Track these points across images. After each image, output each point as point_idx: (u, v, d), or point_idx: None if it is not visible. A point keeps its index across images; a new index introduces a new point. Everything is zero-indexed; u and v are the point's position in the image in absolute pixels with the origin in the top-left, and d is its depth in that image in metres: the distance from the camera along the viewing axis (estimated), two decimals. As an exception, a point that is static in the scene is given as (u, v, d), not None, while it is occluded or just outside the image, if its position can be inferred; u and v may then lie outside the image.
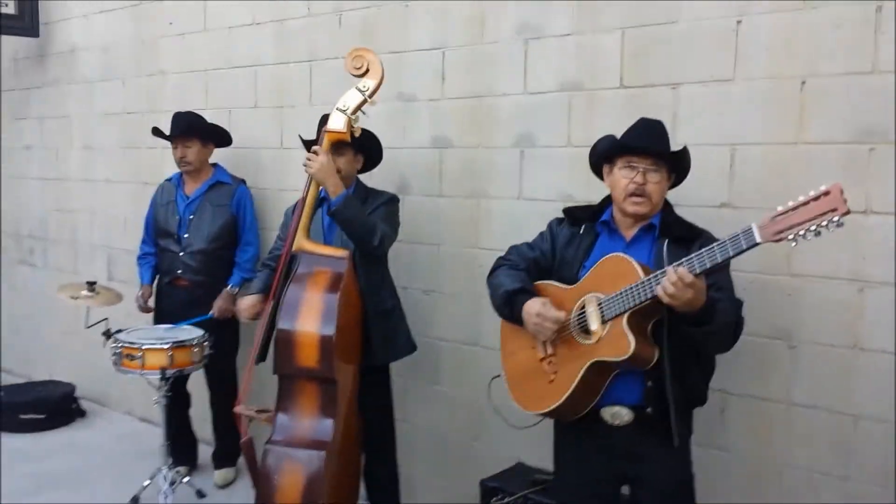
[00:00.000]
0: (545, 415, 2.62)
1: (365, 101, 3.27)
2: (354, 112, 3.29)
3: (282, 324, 3.07)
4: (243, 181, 4.57)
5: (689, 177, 2.67)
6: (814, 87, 2.82)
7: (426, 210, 3.93)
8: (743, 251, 2.18)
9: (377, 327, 3.46)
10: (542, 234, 2.81)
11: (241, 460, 4.68)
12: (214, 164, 4.57)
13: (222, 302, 4.38)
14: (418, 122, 3.93)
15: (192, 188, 4.51)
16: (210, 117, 4.58)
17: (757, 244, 2.15)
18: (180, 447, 4.61)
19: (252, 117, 4.69)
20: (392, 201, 3.58)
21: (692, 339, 2.38)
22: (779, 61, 2.88)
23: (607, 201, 2.70)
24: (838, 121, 2.78)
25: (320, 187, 3.36)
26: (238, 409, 3.40)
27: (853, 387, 2.81)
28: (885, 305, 2.73)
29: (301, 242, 3.29)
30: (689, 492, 2.61)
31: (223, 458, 4.67)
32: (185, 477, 4.42)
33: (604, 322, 2.42)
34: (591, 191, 3.35)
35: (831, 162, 2.79)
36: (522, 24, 3.55)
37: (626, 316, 2.37)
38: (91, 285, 4.23)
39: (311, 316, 3.06)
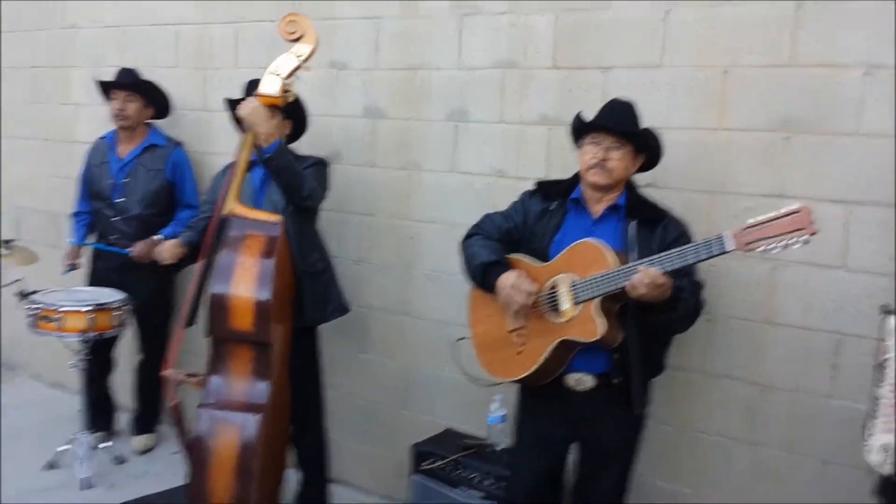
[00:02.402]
0: (511, 381, 2.83)
1: (299, 67, 3.33)
2: (288, 77, 3.34)
3: (216, 287, 3.12)
4: (179, 143, 4.54)
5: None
6: (735, 77, 3.06)
7: (358, 180, 4.04)
8: (713, 256, 2.41)
9: (309, 289, 3.58)
10: (514, 204, 2.98)
11: (161, 427, 4.78)
12: (149, 125, 4.54)
13: (143, 245, 4.29)
14: (351, 92, 4.01)
15: (125, 149, 4.47)
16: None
17: (727, 252, 2.38)
18: (99, 413, 4.65)
19: (172, 78, 4.66)
20: (320, 163, 3.66)
21: (654, 321, 2.63)
22: (703, 51, 3.10)
23: (577, 178, 2.90)
24: (757, 110, 3.02)
25: (250, 151, 3.40)
26: (166, 372, 3.45)
27: (764, 358, 3.11)
28: (796, 282, 3.02)
29: (232, 206, 3.33)
30: (632, 454, 2.88)
31: (144, 423, 4.73)
32: (103, 443, 4.46)
33: (575, 303, 2.63)
34: (521, 166, 3.57)
35: (750, 148, 3.05)
36: (457, -2, 3.67)
37: (596, 301, 2.58)
38: (7, 243, 4.19)
39: (245, 280, 3.13)
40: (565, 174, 3.15)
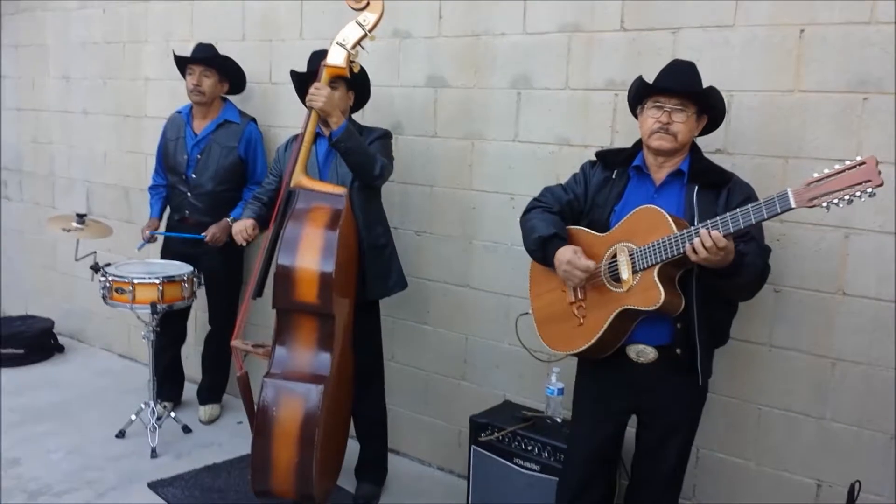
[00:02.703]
0: (573, 354, 2.78)
1: (365, 36, 3.32)
2: (354, 47, 3.34)
3: (282, 259, 3.15)
4: (253, 119, 4.58)
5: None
6: (812, 36, 2.93)
7: (419, 150, 4.02)
8: (777, 214, 2.29)
9: (372, 263, 3.59)
10: (575, 176, 2.92)
11: (226, 397, 4.85)
12: (224, 100, 4.59)
13: (217, 229, 4.41)
14: (413, 61, 3.99)
15: (200, 125, 4.52)
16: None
17: (791, 209, 2.26)
18: (169, 383, 4.76)
19: (240, 50, 4.71)
20: (386, 136, 3.65)
21: (719, 287, 2.54)
22: (779, 9, 2.98)
23: (639, 145, 2.81)
24: (835, 70, 2.90)
25: (317, 124, 3.43)
26: (234, 343, 3.51)
27: (834, 330, 2.99)
28: (870, 252, 2.89)
29: (299, 178, 3.36)
30: (694, 426, 2.80)
31: (211, 393, 4.81)
32: (171, 412, 4.56)
33: (635, 272, 2.57)
34: (587, 134, 3.50)
35: (827, 111, 2.92)
36: (522, -37, 3.61)
37: (657, 268, 2.51)
38: (81, 217, 4.30)
39: (310, 252, 3.15)
40: (631, 141, 3.07)
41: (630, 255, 2.59)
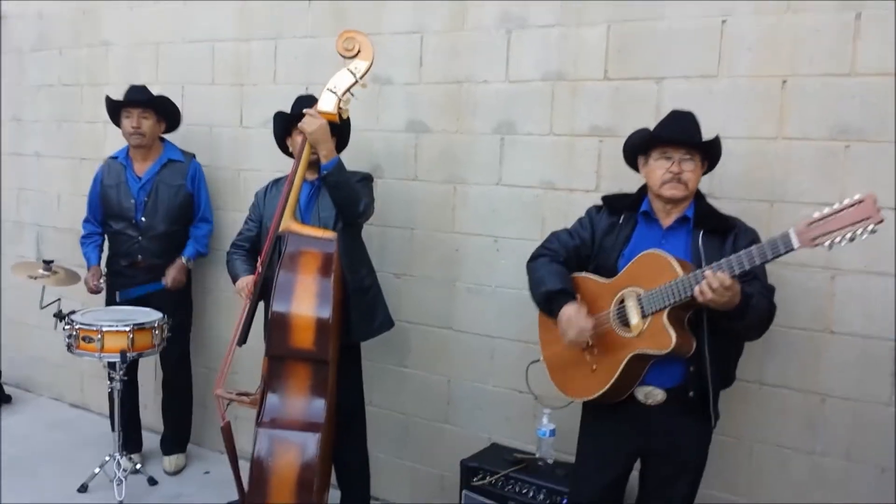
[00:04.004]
0: (588, 401, 2.84)
1: (355, 83, 3.39)
2: (344, 94, 3.41)
3: (277, 306, 3.16)
4: (193, 155, 4.60)
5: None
6: (794, 87, 3.12)
7: (400, 194, 4.08)
8: (780, 255, 2.41)
9: (356, 305, 3.61)
10: (580, 221, 3.00)
11: (189, 446, 4.78)
12: (162, 139, 4.58)
13: (176, 272, 4.43)
14: (393, 106, 4.07)
15: (142, 168, 4.49)
16: (161, 92, 4.57)
17: (793, 249, 2.38)
18: (129, 434, 4.65)
19: (208, 94, 4.73)
20: (368, 178, 3.71)
21: (728, 329, 2.64)
22: (761, 61, 3.17)
23: (643, 191, 2.91)
24: (817, 119, 3.09)
25: (307, 166, 3.46)
26: (218, 391, 3.48)
27: (823, 367, 3.15)
28: (856, 291, 3.07)
29: (289, 223, 3.38)
30: (702, 467, 2.88)
31: (174, 443, 4.73)
32: (137, 464, 4.46)
33: (644, 316, 2.65)
34: (572, 178, 3.62)
35: (810, 157, 3.10)
36: (505, 13, 3.74)
37: (665, 311, 2.59)
38: (48, 264, 4.21)
39: (306, 298, 3.17)
40: (616, 186, 3.22)
41: (638, 300, 2.68)
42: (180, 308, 4.57)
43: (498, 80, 3.78)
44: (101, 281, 4.56)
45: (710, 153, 2.83)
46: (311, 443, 3.11)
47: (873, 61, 2.98)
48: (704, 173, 2.91)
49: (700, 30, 3.28)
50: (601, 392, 2.75)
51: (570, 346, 2.83)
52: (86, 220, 4.69)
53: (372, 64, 3.41)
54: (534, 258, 2.99)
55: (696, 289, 2.50)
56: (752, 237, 2.74)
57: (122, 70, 5.08)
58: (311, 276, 3.23)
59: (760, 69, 3.18)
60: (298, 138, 3.54)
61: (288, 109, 3.70)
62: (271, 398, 3.24)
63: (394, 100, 4.07)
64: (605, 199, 3.00)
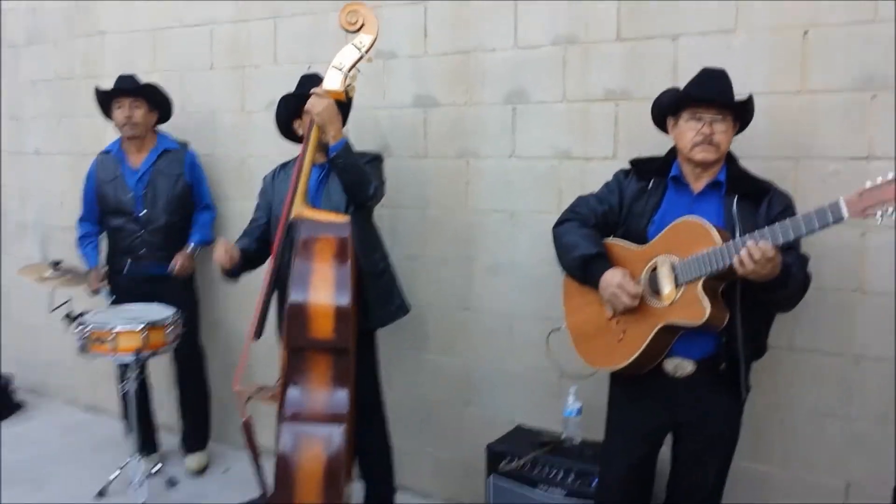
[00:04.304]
0: (614, 371, 2.77)
1: (361, 58, 3.30)
2: (350, 70, 3.32)
3: (294, 296, 3.07)
4: (188, 144, 4.53)
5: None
6: (816, 37, 3.02)
7: (409, 172, 3.99)
8: (828, 225, 2.29)
9: (372, 290, 3.52)
10: (607, 185, 2.90)
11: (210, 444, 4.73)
12: (155, 130, 4.49)
13: (183, 259, 4.35)
14: (399, 81, 3.98)
15: (137, 159, 4.42)
16: (159, 81, 4.50)
17: (843, 219, 2.27)
18: (144, 435, 4.60)
19: (208, 80, 4.65)
20: (377, 159, 3.62)
21: (765, 300, 2.55)
22: (780, 12, 3.07)
23: (673, 154, 2.81)
24: (841, 69, 2.99)
25: (316, 149, 3.37)
26: (237, 388, 3.41)
27: (855, 328, 3.07)
28: (886, 248, 2.97)
29: (300, 209, 3.30)
30: (735, 440, 2.80)
31: (195, 441, 4.67)
32: (156, 466, 4.41)
33: (677, 285, 2.56)
34: (588, 146, 3.52)
35: (835, 110, 3.01)
36: (510, -24, 3.64)
37: (700, 281, 2.50)
38: (57, 265, 4.15)
39: (324, 286, 3.09)
40: (634, 151, 3.11)
41: (672, 268, 2.58)
42: (187, 300, 4.50)
43: (506, 48, 3.68)
44: (104, 282, 4.50)
45: (742, 114, 2.72)
46: (336, 435, 3.04)
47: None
48: (735, 134, 2.80)
49: (715, -18, 3.19)
50: (628, 362, 2.66)
51: (597, 314, 2.76)
52: (81, 219, 4.60)
53: (377, 37, 3.32)
54: (561, 223, 2.89)
55: (736, 258, 2.39)
56: (787, 202, 2.65)
57: (118, 60, 5.00)
58: (327, 262, 3.15)
59: (780, 20, 3.08)
60: (308, 120, 3.47)
61: (292, 90, 3.61)
62: (292, 392, 3.16)
63: (399, 74, 3.98)
64: (633, 162, 2.90)
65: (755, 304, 2.59)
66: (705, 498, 2.81)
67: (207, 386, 4.71)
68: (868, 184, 2.25)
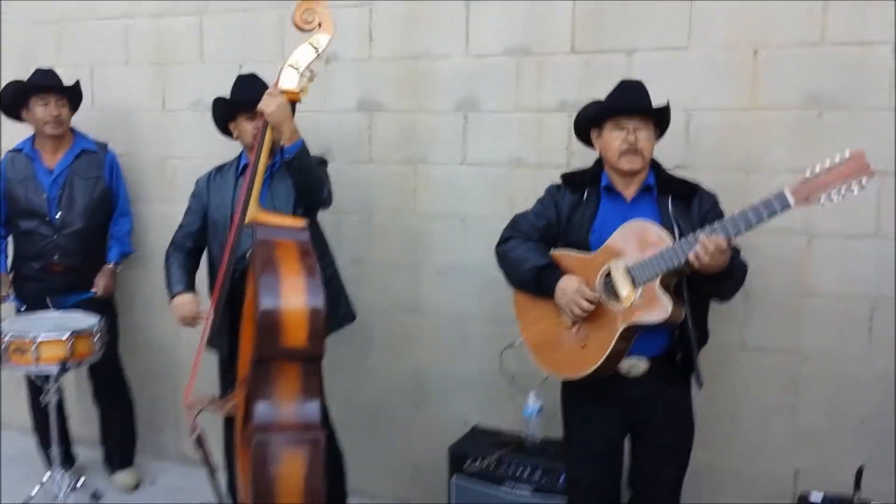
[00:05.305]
0: (578, 379, 2.89)
1: (317, 59, 3.27)
2: (306, 70, 3.29)
3: (265, 304, 3.07)
4: (107, 144, 4.40)
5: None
6: (766, 56, 3.30)
7: (353, 177, 4.03)
8: (776, 214, 2.52)
9: None
10: (541, 201, 3.06)
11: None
12: (72, 130, 4.34)
13: (105, 279, 4.28)
14: (342, 85, 4.01)
15: (53, 160, 4.26)
16: (65, 74, 4.33)
17: (789, 207, 2.49)
18: (62, 449, 4.47)
19: (123, 75, 4.52)
20: (324, 163, 3.63)
21: (711, 291, 2.80)
22: (732, 31, 3.33)
23: (599, 165, 3.00)
24: (789, 88, 3.28)
25: (270, 149, 3.36)
26: (190, 399, 3.39)
27: (802, 328, 3.40)
28: (831, 253, 3.31)
29: (256, 214, 3.25)
30: (692, 431, 3.02)
31: (122, 458, 4.57)
32: (79, 480, 4.30)
33: (635, 286, 2.74)
34: (541, 155, 3.70)
35: (784, 126, 3.30)
36: (461, -17, 3.73)
37: (658, 279, 2.69)
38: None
39: (295, 292, 3.07)
40: (588, 161, 3.31)
41: (627, 270, 2.76)
42: (106, 313, 4.38)
43: (457, 55, 3.79)
44: (10, 291, 4.33)
45: (661, 120, 2.94)
46: (316, 444, 3.04)
47: (843, 30, 3.19)
48: (657, 140, 2.99)
49: (669, 1, 3.41)
50: (595, 367, 2.79)
51: (555, 325, 2.90)
52: None
53: (333, 37, 3.31)
54: (503, 241, 3.04)
55: (692, 254, 2.58)
56: (714, 200, 2.90)
57: (18, 50, 4.77)
58: (294, 267, 3.13)
59: (731, 39, 3.34)
60: (246, 124, 3.47)
61: (219, 89, 3.59)
62: (261, 405, 3.16)
63: (342, 77, 4.00)
64: (564, 176, 3.07)
65: (696, 295, 2.81)
66: (671, 490, 3.01)
67: (132, 400, 4.61)
68: (808, 173, 2.49)
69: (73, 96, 4.24)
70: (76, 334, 3.82)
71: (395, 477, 4.22)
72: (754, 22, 3.31)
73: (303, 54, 3.30)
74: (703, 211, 2.86)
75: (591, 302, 2.78)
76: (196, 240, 3.67)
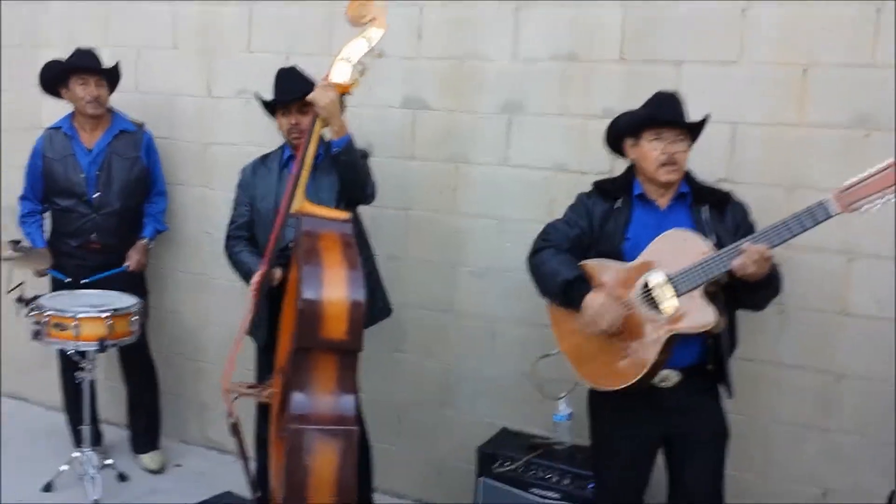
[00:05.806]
0: (621, 389, 2.91)
1: (369, 52, 3.30)
2: (358, 64, 3.34)
3: (307, 294, 3.13)
4: (143, 124, 4.50)
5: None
6: (815, 75, 3.34)
7: (393, 173, 4.08)
8: (819, 223, 2.58)
9: None
10: (573, 208, 3.10)
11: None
12: (110, 110, 4.45)
13: (138, 254, 4.37)
14: (388, 81, 4.07)
15: (91, 139, 4.37)
16: (110, 56, 4.43)
17: (831, 216, 2.56)
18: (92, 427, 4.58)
19: (169, 60, 4.61)
20: (366, 155, 3.67)
21: (749, 299, 2.85)
22: (782, 49, 3.38)
23: (631, 173, 3.04)
24: (837, 108, 3.32)
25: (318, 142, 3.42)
26: (227, 385, 3.47)
27: (837, 348, 3.43)
28: (871, 274, 3.34)
29: (302, 204, 3.30)
30: (727, 438, 3.05)
31: (149, 440, 4.67)
32: (108, 460, 4.41)
33: (678, 296, 2.78)
34: (584, 161, 3.75)
35: (829, 145, 3.34)
36: (511, -12, 3.80)
37: (701, 288, 2.74)
38: (16, 244, 4.07)
39: (336, 284, 3.11)
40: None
41: (668, 280, 2.81)
42: (137, 290, 4.49)
43: (504, 59, 3.85)
44: (48, 267, 4.44)
45: (696, 133, 2.97)
46: (350, 437, 3.08)
47: (893, 53, 3.22)
48: None
49: (720, 16, 3.45)
50: (638, 378, 2.82)
51: (594, 336, 2.92)
52: (23, 197, 4.49)
53: (386, 32, 3.32)
54: (536, 251, 3.07)
55: (737, 262, 2.64)
56: (746, 209, 2.97)
57: (63, 29, 4.87)
58: (337, 259, 3.17)
59: (781, 57, 3.38)
60: (281, 118, 3.56)
61: (264, 79, 3.67)
62: (297, 395, 3.23)
63: (388, 74, 4.05)
64: (596, 184, 3.11)
65: (730, 303, 2.86)
66: (712, 498, 3.04)
67: (157, 381, 4.71)
68: (848, 181, 2.55)
69: (111, 77, 4.33)
70: (115, 313, 3.92)
71: (419, 476, 4.29)
72: (805, 40, 3.35)
73: (355, 48, 3.33)
74: (736, 219, 2.93)
75: (616, 317, 2.83)
76: (250, 229, 3.75)
